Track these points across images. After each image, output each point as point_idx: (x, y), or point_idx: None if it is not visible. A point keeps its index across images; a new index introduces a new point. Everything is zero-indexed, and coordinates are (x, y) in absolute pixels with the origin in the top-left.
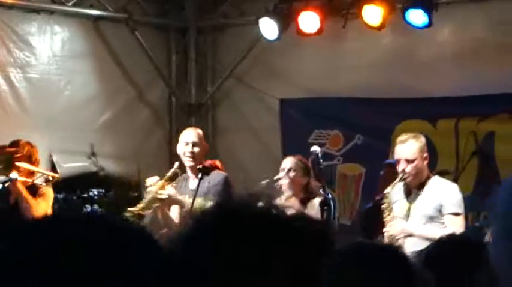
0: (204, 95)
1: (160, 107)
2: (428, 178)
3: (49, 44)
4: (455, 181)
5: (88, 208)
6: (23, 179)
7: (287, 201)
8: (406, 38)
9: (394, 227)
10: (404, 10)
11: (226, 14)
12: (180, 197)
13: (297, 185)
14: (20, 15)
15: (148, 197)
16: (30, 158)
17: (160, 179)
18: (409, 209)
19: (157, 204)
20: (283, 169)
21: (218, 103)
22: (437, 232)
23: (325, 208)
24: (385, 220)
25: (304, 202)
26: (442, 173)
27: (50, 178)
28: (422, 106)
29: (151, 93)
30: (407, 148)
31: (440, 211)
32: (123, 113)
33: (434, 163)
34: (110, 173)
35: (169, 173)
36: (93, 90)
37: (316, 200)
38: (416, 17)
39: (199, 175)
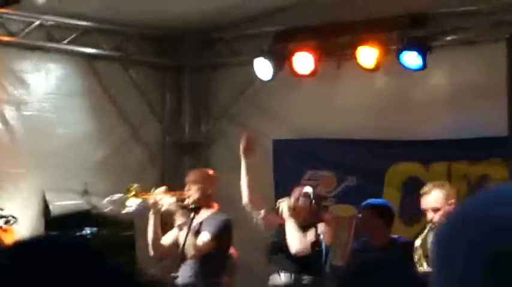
0: (197, 134)
1: (154, 145)
2: None
3: (44, 81)
4: None
5: None
6: None
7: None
8: (400, 80)
9: None
10: (398, 52)
11: (221, 53)
12: (178, 216)
13: (300, 215)
14: (15, 53)
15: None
16: None
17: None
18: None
19: (152, 208)
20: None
21: (212, 142)
22: None
23: (317, 248)
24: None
25: (310, 226)
26: None
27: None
28: (415, 148)
29: (145, 131)
30: (432, 198)
31: None
32: (117, 151)
33: None
34: (103, 211)
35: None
36: (87, 129)
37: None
38: (411, 59)
39: (192, 214)
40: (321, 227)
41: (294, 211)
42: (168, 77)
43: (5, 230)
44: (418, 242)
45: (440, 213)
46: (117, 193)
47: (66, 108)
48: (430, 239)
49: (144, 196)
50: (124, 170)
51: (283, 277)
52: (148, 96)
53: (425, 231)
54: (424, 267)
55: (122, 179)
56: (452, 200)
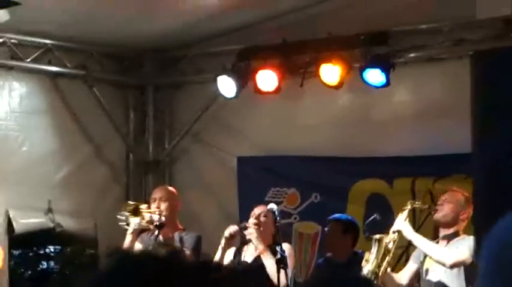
0: (161, 152)
1: (117, 163)
2: (457, 234)
3: (7, 99)
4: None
5: (44, 264)
6: None
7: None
8: (364, 97)
9: (398, 223)
10: (362, 69)
11: (185, 71)
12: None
13: (267, 232)
14: None
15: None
16: None
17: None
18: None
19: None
20: (254, 214)
21: (175, 160)
22: (429, 246)
23: (282, 266)
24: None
25: (272, 249)
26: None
27: None
28: (379, 165)
29: (109, 150)
30: (453, 194)
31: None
32: (81, 169)
33: (390, 221)
34: (67, 229)
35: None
36: (51, 147)
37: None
38: (374, 76)
39: (156, 232)
40: (286, 247)
41: (259, 229)
42: (132, 95)
43: None
44: (409, 204)
45: (450, 207)
46: (80, 210)
47: (30, 127)
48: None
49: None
50: (88, 188)
51: None
52: (112, 115)
53: (426, 207)
54: (400, 217)
55: (85, 197)
56: (466, 215)
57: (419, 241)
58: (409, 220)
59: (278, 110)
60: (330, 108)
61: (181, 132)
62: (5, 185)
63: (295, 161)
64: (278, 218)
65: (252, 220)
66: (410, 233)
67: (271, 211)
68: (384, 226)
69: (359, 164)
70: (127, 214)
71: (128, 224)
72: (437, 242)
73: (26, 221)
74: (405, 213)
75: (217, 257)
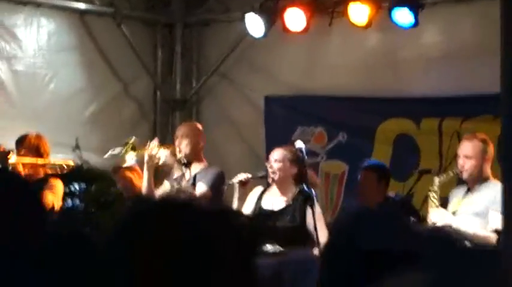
0: (189, 90)
1: (145, 101)
2: (487, 179)
3: (35, 36)
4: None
5: (69, 202)
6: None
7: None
8: (392, 37)
9: (435, 215)
10: (390, 9)
11: (213, 9)
12: (175, 169)
13: (285, 176)
14: (6, 7)
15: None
16: (38, 151)
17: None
18: (459, 205)
19: (149, 162)
20: (270, 161)
21: (203, 99)
22: (473, 228)
23: (310, 204)
24: (430, 208)
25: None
26: (424, 173)
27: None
28: (406, 105)
29: (137, 87)
30: (470, 146)
31: (487, 208)
32: (109, 107)
33: (417, 161)
34: (94, 167)
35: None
36: (79, 84)
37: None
38: (403, 16)
39: (183, 167)
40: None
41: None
42: (160, 33)
43: None
44: (437, 181)
45: (471, 162)
46: (108, 147)
47: (58, 64)
48: (459, 189)
49: (141, 150)
50: (115, 125)
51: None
52: (140, 53)
53: (451, 174)
54: (434, 206)
55: (113, 134)
56: (489, 157)
57: (462, 226)
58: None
59: (306, 49)
60: (358, 48)
61: (208, 71)
62: (32, 122)
63: (323, 101)
64: (306, 156)
65: (268, 168)
66: (454, 222)
67: (299, 149)
68: (411, 166)
69: (386, 104)
70: (119, 150)
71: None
72: (468, 190)
73: (54, 157)
74: (434, 199)
75: (234, 205)
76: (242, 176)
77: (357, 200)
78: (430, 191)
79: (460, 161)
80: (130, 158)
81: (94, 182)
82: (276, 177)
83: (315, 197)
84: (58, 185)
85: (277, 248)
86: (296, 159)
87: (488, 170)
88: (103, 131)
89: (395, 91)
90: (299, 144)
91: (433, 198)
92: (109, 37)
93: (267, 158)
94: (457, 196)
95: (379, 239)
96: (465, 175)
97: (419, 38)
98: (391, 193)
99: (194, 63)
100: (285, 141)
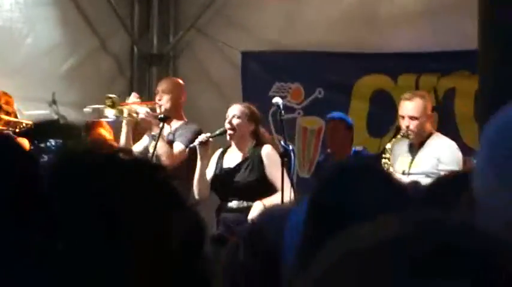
0: (166, 45)
1: (122, 56)
2: (430, 135)
3: None
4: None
5: (45, 158)
6: None
7: None
8: None
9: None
10: None
11: None
12: (154, 125)
13: (243, 133)
14: None
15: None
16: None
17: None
18: (409, 166)
19: (127, 118)
20: (228, 117)
21: (180, 54)
22: None
23: (285, 159)
24: None
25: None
26: (400, 129)
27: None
28: (383, 61)
29: (114, 42)
30: (412, 106)
31: (437, 167)
32: (86, 62)
33: (393, 118)
34: (70, 122)
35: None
36: (56, 39)
37: (266, 147)
38: None
39: (161, 123)
40: (267, 148)
41: (234, 133)
42: None
43: None
44: (388, 145)
45: (417, 122)
46: (85, 103)
47: (35, 18)
48: (401, 144)
49: (121, 106)
50: (92, 81)
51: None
52: (116, 7)
53: (399, 136)
54: (390, 170)
55: (90, 90)
56: (430, 112)
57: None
58: None
59: (284, 5)
60: (336, 3)
61: (186, 26)
62: (9, 77)
63: (300, 56)
64: (282, 112)
65: (226, 124)
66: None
67: (276, 105)
68: (388, 122)
69: (363, 60)
70: (99, 106)
71: (103, 117)
72: (411, 146)
73: (31, 112)
74: (387, 165)
75: (198, 168)
76: (201, 137)
77: (327, 152)
78: (382, 157)
79: (405, 122)
80: (111, 114)
81: (70, 138)
82: (235, 133)
83: (291, 152)
84: (24, 143)
85: (242, 203)
86: (253, 115)
87: (429, 125)
88: (80, 86)
89: (373, 47)
90: (276, 100)
91: (386, 164)
92: None
93: None
94: (401, 154)
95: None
96: (412, 136)
97: None
98: (358, 147)
99: (171, 19)
100: (262, 97)
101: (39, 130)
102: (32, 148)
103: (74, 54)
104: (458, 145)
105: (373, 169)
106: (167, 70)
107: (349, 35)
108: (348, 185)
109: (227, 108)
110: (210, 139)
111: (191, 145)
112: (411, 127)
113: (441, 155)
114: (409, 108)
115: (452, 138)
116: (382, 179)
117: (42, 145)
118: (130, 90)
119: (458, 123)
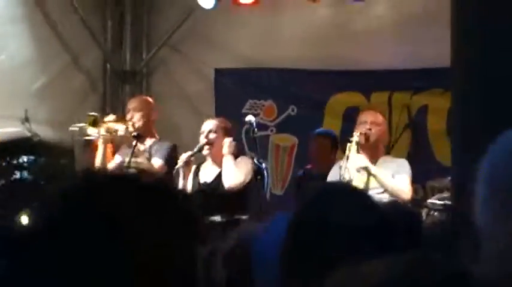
0: (139, 62)
1: (94, 73)
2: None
3: None
4: (387, 153)
5: (18, 174)
6: None
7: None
8: (342, 10)
9: (355, 160)
10: None
11: None
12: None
13: (218, 147)
14: None
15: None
16: None
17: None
18: (367, 182)
19: (103, 134)
20: (203, 132)
21: (153, 71)
22: (389, 180)
23: (259, 177)
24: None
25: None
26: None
27: None
28: (356, 78)
29: (86, 59)
30: (376, 115)
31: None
32: (58, 78)
33: None
34: (43, 139)
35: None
36: (28, 55)
37: (242, 158)
38: None
39: (134, 141)
40: (243, 159)
41: (211, 147)
42: (109, 3)
43: None
44: (356, 135)
45: (379, 129)
46: (58, 119)
47: (7, 35)
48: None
49: (101, 124)
50: (65, 97)
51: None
52: (89, 23)
53: (356, 138)
54: (354, 151)
55: (62, 106)
56: (382, 127)
57: (381, 174)
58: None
59: (257, 22)
60: (309, 21)
61: (159, 43)
62: None
63: (273, 74)
64: (256, 129)
65: (202, 140)
66: (373, 168)
67: (249, 123)
68: None
69: (336, 77)
70: (83, 124)
71: (86, 135)
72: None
73: (2, 130)
74: (354, 147)
75: (180, 185)
76: (184, 156)
77: (306, 167)
78: (350, 142)
79: (367, 125)
80: (94, 133)
81: (43, 155)
82: (212, 148)
83: (265, 170)
84: None
85: (224, 216)
86: (228, 129)
87: (382, 146)
88: (52, 103)
89: (346, 64)
90: (249, 118)
91: (352, 147)
92: (58, 7)
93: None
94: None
95: (349, 214)
96: (372, 138)
97: (369, 10)
98: (300, 172)
99: (144, 35)
100: (235, 114)
101: (11, 147)
102: (4, 164)
103: (46, 70)
104: (431, 161)
105: (353, 190)
106: (140, 87)
107: (321, 53)
108: (329, 206)
109: (201, 124)
110: (192, 158)
111: (177, 167)
112: (373, 130)
113: (397, 167)
114: (373, 116)
115: (425, 155)
116: (361, 200)
117: (15, 162)
118: (103, 106)
119: (431, 140)
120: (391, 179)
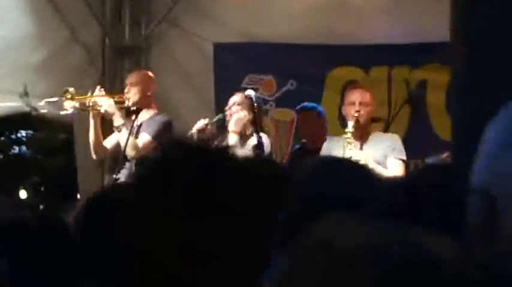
0: (138, 37)
1: (93, 48)
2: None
3: None
4: (386, 128)
5: (16, 149)
6: None
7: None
8: None
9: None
10: None
11: None
12: (116, 118)
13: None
14: None
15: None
16: None
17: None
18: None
19: (91, 110)
20: (229, 105)
21: (152, 46)
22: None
23: (258, 151)
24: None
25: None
26: (375, 120)
27: None
28: (356, 53)
29: (85, 34)
30: (364, 94)
31: (386, 156)
32: (57, 53)
33: None
34: (41, 114)
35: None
36: (26, 30)
37: (251, 139)
38: None
39: (133, 116)
40: (263, 136)
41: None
42: None
43: None
44: (351, 125)
45: (368, 109)
46: (57, 94)
47: (4, 8)
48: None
49: (80, 99)
50: (64, 72)
51: None
52: None
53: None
54: (352, 147)
55: (61, 81)
56: (371, 107)
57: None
58: (385, 108)
59: None
60: None
61: (158, 18)
62: None
63: (272, 48)
64: (256, 103)
65: (228, 113)
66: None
67: (249, 97)
68: None
69: (336, 52)
70: (57, 98)
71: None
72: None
73: (1, 105)
74: (351, 144)
75: None
76: (200, 123)
77: (303, 141)
78: (345, 135)
79: (356, 107)
80: (70, 107)
81: (41, 129)
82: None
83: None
84: None
85: None
86: (251, 105)
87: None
88: (51, 77)
89: (345, 38)
90: (249, 92)
91: (349, 143)
92: None
93: (217, 106)
94: (337, 151)
95: (344, 185)
96: (362, 120)
97: None
98: (297, 145)
99: (143, 10)
100: (234, 89)
101: (10, 122)
102: (3, 139)
103: (45, 45)
104: (430, 136)
105: (349, 162)
106: (139, 62)
107: (321, 27)
108: (328, 178)
109: (200, 99)
110: (208, 126)
111: (190, 132)
112: (362, 112)
113: (389, 145)
114: (362, 95)
115: (425, 130)
116: (359, 172)
117: (13, 136)
118: (102, 82)
119: (430, 115)
120: (387, 173)
